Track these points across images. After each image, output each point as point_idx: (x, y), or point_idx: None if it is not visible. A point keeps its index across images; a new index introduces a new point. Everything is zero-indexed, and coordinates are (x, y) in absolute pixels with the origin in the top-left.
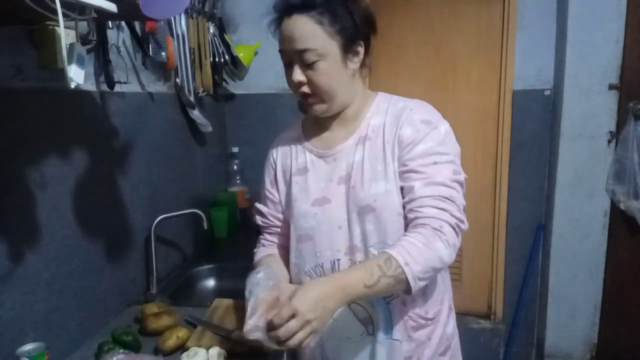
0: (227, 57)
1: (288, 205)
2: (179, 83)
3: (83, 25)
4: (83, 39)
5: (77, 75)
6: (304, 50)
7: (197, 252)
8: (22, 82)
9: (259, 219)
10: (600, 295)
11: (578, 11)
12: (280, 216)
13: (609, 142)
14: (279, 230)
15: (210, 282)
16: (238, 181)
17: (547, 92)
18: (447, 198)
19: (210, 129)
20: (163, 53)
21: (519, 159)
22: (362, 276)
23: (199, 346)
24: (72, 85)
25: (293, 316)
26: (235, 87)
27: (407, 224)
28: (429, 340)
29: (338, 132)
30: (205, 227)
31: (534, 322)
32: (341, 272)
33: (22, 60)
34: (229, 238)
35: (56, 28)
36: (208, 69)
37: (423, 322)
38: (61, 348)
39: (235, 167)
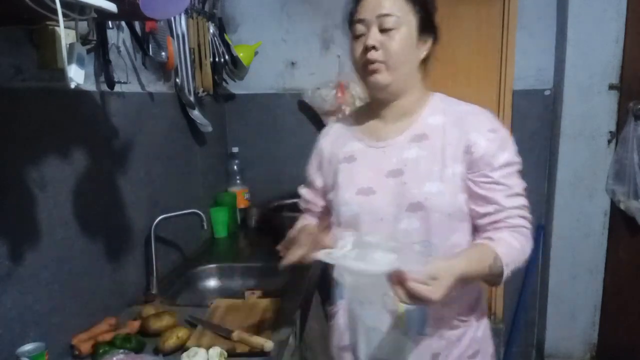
0: (227, 57)
1: (333, 191)
2: (179, 83)
3: (83, 25)
4: (83, 39)
5: (77, 75)
6: (386, 15)
7: (197, 252)
8: (22, 82)
9: (301, 202)
10: (600, 295)
11: (578, 11)
12: (321, 202)
13: (609, 142)
14: (318, 214)
15: (210, 282)
16: (238, 181)
17: (547, 92)
18: (525, 206)
19: (210, 129)
20: (163, 53)
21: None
22: (478, 272)
23: (199, 346)
24: (72, 85)
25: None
26: (235, 87)
27: (486, 229)
28: (459, 341)
29: (391, 125)
30: (205, 227)
31: (533, 323)
32: (465, 261)
33: (22, 60)
34: (229, 238)
35: (56, 28)
36: (208, 69)
37: (455, 322)
38: (61, 348)
39: (235, 167)
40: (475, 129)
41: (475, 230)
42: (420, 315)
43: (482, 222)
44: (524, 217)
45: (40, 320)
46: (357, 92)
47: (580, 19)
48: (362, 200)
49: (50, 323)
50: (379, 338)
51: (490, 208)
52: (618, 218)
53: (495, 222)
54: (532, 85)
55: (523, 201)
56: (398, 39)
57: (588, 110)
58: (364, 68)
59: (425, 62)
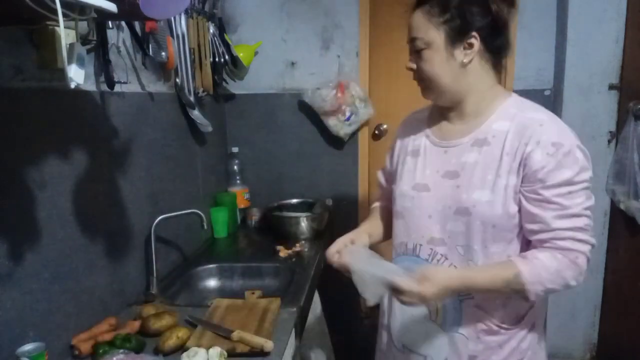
0: (227, 57)
1: (395, 182)
2: (179, 83)
3: (83, 25)
4: (83, 39)
5: (77, 75)
6: (413, 39)
7: (197, 252)
8: (22, 82)
9: (378, 184)
10: (600, 295)
11: (578, 11)
12: (390, 187)
13: (609, 142)
14: (389, 196)
15: (210, 282)
16: (238, 181)
17: (547, 92)
18: (582, 228)
19: (210, 129)
20: (163, 53)
21: None
22: (486, 282)
23: (199, 346)
24: (72, 85)
25: (417, 293)
26: (235, 87)
27: (535, 246)
28: (500, 348)
29: (457, 126)
30: (205, 227)
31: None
32: (470, 271)
33: (22, 60)
34: (229, 238)
35: (56, 28)
36: (208, 69)
37: (496, 328)
38: (61, 348)
39: (235, 167)
40: (536, 140)
41: (527, 245)
42: (457, 312)
43: (530, 238)
44: (578, 240)
45: (40, 320)
46: (357, 92)
47: (580, 19)
48: (415, 195)
49: (50, 323)
50: (413, 326)
51: (536, 226)
52: (618, 218)
53: (542, 240)
54: (532, 85)
55: (580, 222)
56: (427, 59)
57: (588, 110)
58: (417, 83)
59: (487, 62)
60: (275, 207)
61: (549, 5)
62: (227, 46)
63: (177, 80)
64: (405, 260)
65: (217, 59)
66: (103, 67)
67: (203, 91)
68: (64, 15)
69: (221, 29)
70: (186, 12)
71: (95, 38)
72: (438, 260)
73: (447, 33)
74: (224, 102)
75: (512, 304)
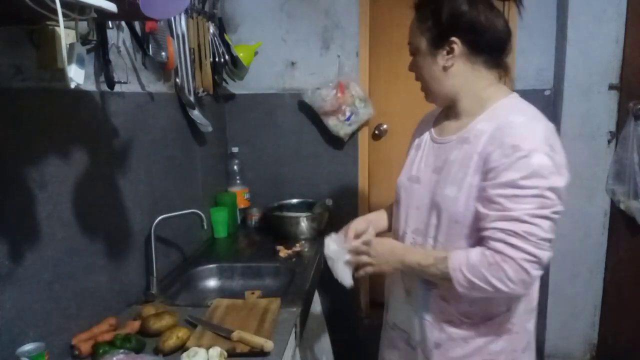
0: (227, 57)
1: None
2: (179, 83)
3: (83, 25)
4: (83, 39)
5: (77, 75)
6: (408, 43)
7: (197, 252)
8: (22, 82)
9: None
10: (600, 295)
11: (578, 11)
12: None
13: (609, 142)
14: None
15: (210, 282)
16: (238, 181)
17: (547, 92)
18: (519, 234)
19: (210, 129)
20: (163, 53)
21: None
22: (419, 257)
23: (199, 346)
24: (72, 85)
25: (366, 253)
26: (235, 87)
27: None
28: (465, 343)
29: (453, 124)
30: (205, 227)
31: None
32: (409, 247)
33: (22, 60)
34: (229, 238)
35: (56, 28)
36: (208, 69)
37: (458, 321)
38: (61, 348)
39: (235, 167)
40: (500, 141)
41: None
42: (424, 297)
43: (479, 235)
44: (511, 245)
45: (40, 320)
46: (357, 92)
47: (580, 19)
48: (409, 186)
49: (50, 323)
50: (398, 306)
51: (480, 223)
52: (618, 218)
53: (482, 238)
54: (532, 85)
55: (519, 228)
56: (417, 63)
57: (588, 110)
58: None
59: (475, 64)
60: (275, 207)
61: (549, 5)
62: (227, 46)
63: (177, 80)
64: None
65: (217, 59)
66: (103, 67)
67: (203, 91)
68: (64, 15)
69: (221, 29)
70: (186, 12)
71: (95, 38)
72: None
73: (429, 39)
74: (224, 102)
75: (480, 303)
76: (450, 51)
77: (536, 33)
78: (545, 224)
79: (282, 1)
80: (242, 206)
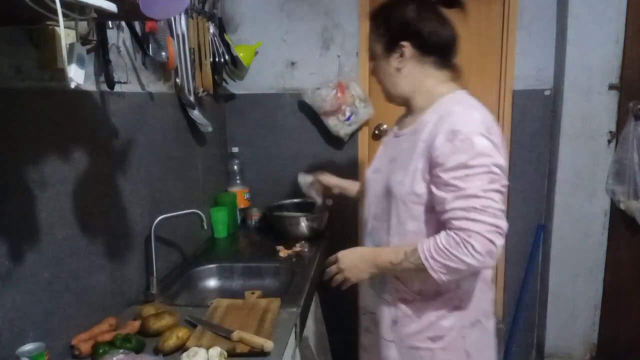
0: (227, 57)
1: None
2: (179, 83)
3: (83, 25)
4: (83, 39)
5: (77, 75)
6: (368, 50)
7: (197, 252)
8: (22, 82)
9: None
10: (600, 295)
11: (578, 11)
12: None
13: (609, 142)
14: None
15: (210, 282)
16: (238, 181)
17: (547, 92)
18: (477, 208)
19: (210, 129)
20: (163, 53)
21: (519, 159)
22: (390, 256)
23: (199, 346)
24: (72, 85)
25: (338, 267)
26: (235, 87)
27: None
28: (418, 318)
29: (408, 119)
30: (205, 227)
31: (534, 322)
32: (376, 249)
33: (22, 60)
34: (229, 238)
35: (56, 28)
36: (208, 69)
37: (411, 298)
38: (61, 348)
39: (235, 167)
40: (441, 129)
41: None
42: (382, 281)
43: (440, 220)
44: (472, 220)
45: (40, 320)
46: (357, 92)
47: (580, 19)
48: (373, 177)
49: (50, 323)
50: (364, 292)
51: (439, 207)
52: (618, 218)
53: (444, 221)
54: (532, 85)
55: (477, 203)
56: (375, 68)
57: (588, 110)
58: None
59: (426, 65)
60: (275, 207)
61: (549, 5)
62: (227, 46)
63: (177, 80)
64: None
65: (217, 59)
66: (103, 67)
67: (203, 91)
68: (64, 15)
69: (221, 29)
70: (186, 12)
71: (95, 38)
72: (370, 233)
73: (383, 44)
74: (224, 102)
75: (432, 280)
76: (402, 54)
77: (536, 33)
78: (497, 196)
79: (282, 1)
80: (242, 206)
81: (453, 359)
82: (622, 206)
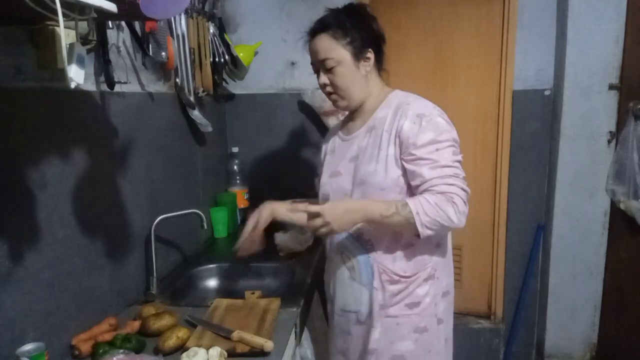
0: (227, 57)
1: (320, 177)
2: (179, 83)
3: (83, 25)
4: (83, 39)
5: (77, 75)
6: (325, 59)
7: (197, 252)
8: (22, 82)
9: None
10: (600, 295)
11: (578, 11)
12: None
13: (609, 142)
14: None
15: (210, 282)
16: (238, 181)
17: (547, 92)
18: (452, 175)
19: (210, 129)
20: (163, 53)
21: (519, 158)
22: (381, 207)
23: (199, 346)
24: (72, 85)
25: (319, 215)
26: (235, 87)
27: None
28: (399, 294)
29: (358, 122)
30: (205, 227)
31: (533, 322)
32: (367, 200)
33: (22, 60)
34: (229, 238)
35: (56, 28)
36: (208, 69)
37: (396, 278)
38: (61, 348)
39: (235, 167)
40: (404, 115)
41: None
42: (367, 267)
43: (416, 193)
44: (450, 184)
45: (40, 320)
46: None
47: (580, 19)
48: (332, 181)
49: (50, 323)
50: (345, 289)
51: (417, 181)
52: (618, 218)
53: (423, 191)
54: (532, 85)
55: (450, 171)
56: (339, 74)
57: (588, 110)
58: (328, 96)
59: (377, 69)
60: None
61: (549, 5)
62: (227, 46)
63: (177, 80)
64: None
65: (217, 59)
66: (103, 67)
67: (203, 91)
68: (64, 15)
69: (221, 29)
70: (186, 12)
71: (95, 38)
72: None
73: (352, 52)
74: (224, 102)
75: (413, 257)
76: (367, 60)
77: (536, 33)
78: (460, 166)
79: (282, 1)
80: (242, 206)
81: (427, 325)
82: (622, 206)
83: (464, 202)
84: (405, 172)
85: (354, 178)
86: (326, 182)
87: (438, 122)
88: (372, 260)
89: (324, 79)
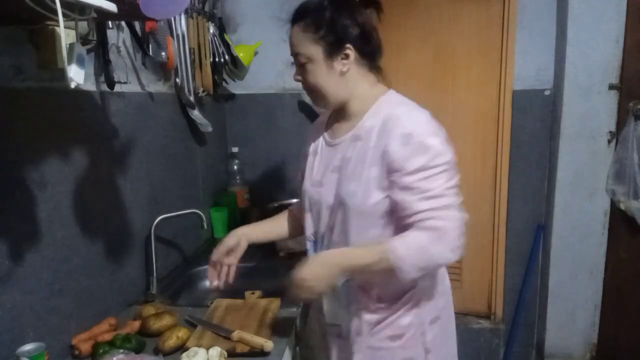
0: (227, 57)
1: (301, 180)
2: (179, 83)
3: (83, 25)
4: (83, 39)
5: (77, 75)
6: (296, 54)
7: (197, 252)
8: (22, 82)
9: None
10: (600, 295)
11: (578, 11)
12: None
13: (609, 142)
14: None
15: None
16: (238, 181)
17: (547, 92)
18: (445, 207)
19: (210, 129)
20: (163, 53)
21: (519, 158)
22: (360, 258)
23: (199, 346)
24: (72, 85)
25: (298, 282)
26: (235, 87)
27: (407, 229)
28: (378, 324)
29: (344, 125)
30: (205, 227)
31: (534, 322)
32: (340, 250)
33: (22, 60)
34: None
35: (56, 28)
36: (208, 69)
37: (373, 307)
38: (61, 348)
39: (235, 167)
40: (392, 133)
41: (405, 228)
42: (346, 291)
43: (402, 224)
44: (442, 219)
45: (40, 320)
46: None
47: (580, 19)
48: (314, 191)
49: (50, 323)
50: (329, 306)
51: (403, 212)
52: (618, 218)
53: (411, 224)
54: (532, 85)
55: (443, 202)
56: (310, 72)
57: (588, 110)
58: (306, 93)
59: (363, 67)
60: (275, 207)
61: (549, 5)
62: (227, 46)
63: (177, 80)
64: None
65: (217, 59)
66: (103, 67)
67: (203, 91)
68: (64, 15)
69: (221, 29)
70: (186, 12)
71: (95, 38)
72: (328, 246)
73: (324, 48)
74: (224, 102)
75: (392, 285)
76: (346, 57)
77: (536, 33)
78: (456, 191)
79: (282, 1)
80: (242, 206)
81: (413, 356)
82: (622, 206)
83: (459, 234)
84: (389, 195)
85: (335, 194)
86: (309, 191)
87: (430, 144)
88: (350, 286)
89: (296, 75)
